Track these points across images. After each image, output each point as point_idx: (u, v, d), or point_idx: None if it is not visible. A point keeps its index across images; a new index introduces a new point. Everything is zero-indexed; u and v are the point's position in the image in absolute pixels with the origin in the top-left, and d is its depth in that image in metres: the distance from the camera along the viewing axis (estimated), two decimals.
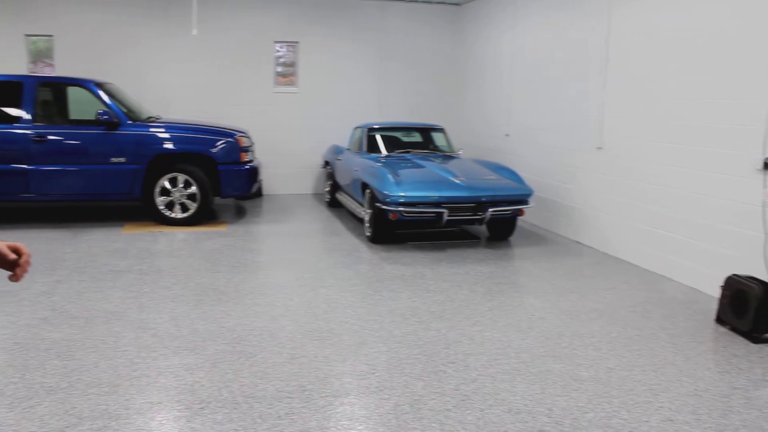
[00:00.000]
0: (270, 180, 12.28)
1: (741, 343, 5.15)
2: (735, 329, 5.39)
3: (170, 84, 11.80)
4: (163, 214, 9.11)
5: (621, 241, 7.74)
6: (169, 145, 9.04)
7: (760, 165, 5.76)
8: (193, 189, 9.08)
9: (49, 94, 9.63)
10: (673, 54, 6.85)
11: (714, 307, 5.87)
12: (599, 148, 8.08)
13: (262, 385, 4.20)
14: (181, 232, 8.78)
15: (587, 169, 8.36)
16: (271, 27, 12.13)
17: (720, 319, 5.58)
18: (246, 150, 9.39)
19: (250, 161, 9.51)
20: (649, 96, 7.21)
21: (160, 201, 9.09)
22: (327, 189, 11.32)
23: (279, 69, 12.45)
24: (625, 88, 7.60)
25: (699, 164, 6.51)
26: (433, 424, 3.72)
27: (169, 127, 9.28)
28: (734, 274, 5.52)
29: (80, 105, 9.73)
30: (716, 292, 5.96)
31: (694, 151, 6.57)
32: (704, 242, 6.46)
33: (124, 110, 9.14)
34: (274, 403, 3.95)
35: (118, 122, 8.89)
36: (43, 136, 8.71)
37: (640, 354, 4.87)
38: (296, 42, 12.32)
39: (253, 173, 9.46)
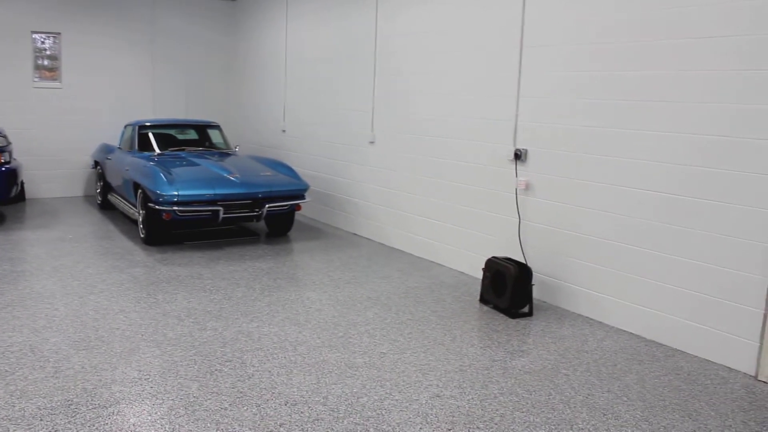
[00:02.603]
0: (34, 183, 11.39)
1: (501, 319, 5.59)
2: (496, 307, 5.85)
3: None
4: None
5: (394, 231, 8.09)
6: None
7: (512, 156, 6.28)
8: None
9: None
10: (434, 54, 7.26)
11: (478, 288, 6.32)
12: (371, 142, 8.38)
13: (21, 404, 3.90)
14: None
15: (361, 163, 8.64)
16: (28, 15, 11.20)
17: (483, 299, 6.03)
18: (2, 150, 8.63)
19: (7, 162, 8.75)
20: (411, 93, 7.60)
21: None
22: (98, 190, 10.71)
23: (45, 62, 11.54)
24: (391, 84, 7.95)
25: (460, 156, 6.97)
26: (209, 425, 3.67)
27: None
28: (493, 257, 5.98)
29: None
30: (480, 275, 6.42)
31: (456, 143, 7.02)
32: (468, 228, 6.93)
33: None
34: (34, 422, 3.68)
35: None
36: None
37: (411, 337, 5.12)
38: (58, 33, 11.49)
39: (11, 175, 8.72)
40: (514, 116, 6.27)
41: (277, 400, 3.99)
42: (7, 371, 4.35)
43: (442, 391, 4.18)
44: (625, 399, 4.17)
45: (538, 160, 6.06)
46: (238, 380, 4.27)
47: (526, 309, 5.76)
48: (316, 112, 9.70)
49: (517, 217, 6.31)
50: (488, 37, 6.53)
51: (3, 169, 8.59)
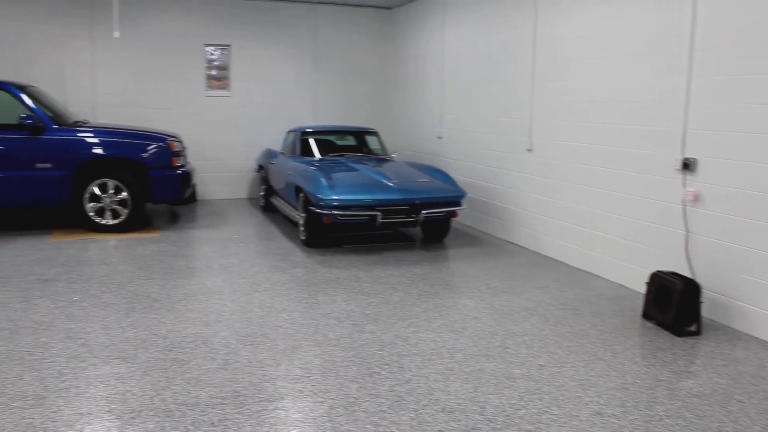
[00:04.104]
0: (204, 185, 12.13)
1: (666, 337, 5.32)
2: (660, 324, 5.57)
3: (97, 88, 11.53)
4: (93, 220, 8.89)
5: (552, 240, 7.91)
6: (98, 150, 8.84)
7: (680, 165, 5.97)
8: (124, 195, 8.90)
9: None
10: (594, 58, 7.04)
11: (640, 302, 6.06)
12: (529, 150, 8.25)
13: (195, 392, 4.15)
14: (112, 239, 8.59)
15: (518, 171, 8.53)
16: (202, 29, 11.97)
17: (646, 314, 5.77)
18: (178, 154, 9.25)
19: (182, 166, 9.36)
20: (573, 99, 7.40)
21: (90, 207, 8.87)
22: (261, 193, 11.24)
23: (214, 73, 12.30)
24: (551, 90, 7.79)
25: (623, 164, 6.71)
26: (368, 426, 3.74)
27: (97, 131, 9.07)
28: (658, 271, 5.71)
29: (1, 109, 9.42)
30: (642, 288, 6.15)
31: (619, 152, 6.77)
32: (630, 240, 6.66)
33: (49, 114, 8.89)
34: (207, 409, 3.91)
35: (43, 126, 8.65)
36: None
37: (570, 350, 4.99)
38: (228, 45, 12.19)
39: (186, 178, 9.32)
40: (683, 124, 5.95)
41: (434, 407, 4.00)
42: (183, 360, 4.64)
43: (603, 409, 4.03)
44: None
45: (711, 169, 5.72)
46: (396, 384, 4.32)
47: (693, 327, 5.44)
48: (473, 119, 9.68)
49: (684, 229, 5.99)
50: (654, 41, 6.24)
51: (178, 172, 9.19)
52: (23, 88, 8.87)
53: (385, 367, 4.60)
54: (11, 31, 11.05)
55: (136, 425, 3.70)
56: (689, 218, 5.94)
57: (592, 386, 4.35)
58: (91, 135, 8.94)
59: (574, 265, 7.53)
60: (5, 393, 4.09)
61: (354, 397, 4.11)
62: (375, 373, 4.49)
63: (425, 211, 7.91)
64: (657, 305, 5.59)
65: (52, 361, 4.60)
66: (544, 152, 7.99)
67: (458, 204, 8.20)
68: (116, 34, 10.18)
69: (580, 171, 7.34)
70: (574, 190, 7.47)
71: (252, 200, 12.23)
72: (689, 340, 5.27)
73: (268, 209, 10.94)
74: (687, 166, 5.92)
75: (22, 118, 8.50)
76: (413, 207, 7.89)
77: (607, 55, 6.89)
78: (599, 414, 3.96)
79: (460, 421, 3.83)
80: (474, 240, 8.94)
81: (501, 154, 8.93)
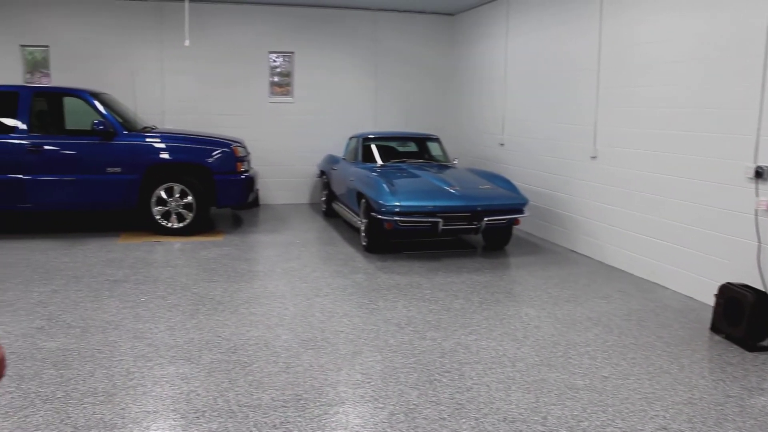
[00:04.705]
0: (266, 190, 12.31)
1: (736, 351, 5.17)
2: (730, 337, 5.41)
3: (166, 94, 11.83)
4: (159, 223, 9.11)
5: (616, 249, 7.77)
6: (165, 155, 9.05)
7: (752, 174, 5.79)
8: (190, 199, 9.09)
9: (44, 105, 9.65)
10: (663, 64, 6.90)
11: (709, 315, 5.90)
12: (593, 157, 8.12)
13: (258, 394, 4.21)
14: (177, 241, 8.79)
15: (582, 178, 8.40)
16: (267, 37, 12.17)
17: (715, 327, 5.60)
18: (242, 160, 9.41)
19: (246, 171, 9.52)
20: (639, 106, 7.25)
21: (157, 211, 9.09)
22: (323, 198, 11.34)
23: (276, 79, 12.49)
24: (617, 98, 7.65)
25: (692, 173, 6.54)
26: None
27: (164, 137, 9.29)
28: (728, 283, 5.55)
29: (76, 115, 9.75)
30: (711, 300, 5.98)
31: (686, 159, 6.61)
32: (698, 250, 6.49)
33: (120, 120, 9.16)
34: (269, 412, 3.96)
35: (114, 132, 8.91)
36: (38, 146, 8.73)
37: (635, 362, 4.88)
38: (291, 52, 12.36)
39: (249, 183, 9.48)
40: (756, 131, 5.77)
41: (495, 416, 3.97)
42: (246, 362, 4.71)
43: (669, 424, 3.93)
44: None
45: None
46: (457, 391, 4.30)
47: (765, 342, 5.27)
48: (536, 126, 9.58)
49: (756, 240, 5.80)
50: (727, 46, 6.08)
51: (242, 176, 9.34)
52: (96, 96, 9.16)
53: (446, 374, 4.58)
54: (85, 41, 11.43)
55: (200, 425, 3.77)
56: (761, 228, 5.76)
57: (658, 400, 4.25)
58: (159, 141, 9.17)
59: (639, 275, 7.37)
60: (77, 389, 4.22)
61: (414, 404, 4.10)
62: (436, 380, 4.48)
63: (487, 219, 7.85)
64: (726, 318, 5.43)
65: (121, 360, 4.73)
66: (609, 160, 7.85)
67: (520, 211, 8.12)
68: (187, 43, 10.42)
69: (647, 179, 7.19)
70: (640, 199, 7.32)
71: (313, 205, 12.35)
72: (761, 356, 5.10)
73: (330, 214, 11.03)
74: (760, 174, 5.75)
75: (95, 124, 8.77)
76: (475, 214, 7.84)
77: (678, 61, 6.74)
78: (665, 429, 3.86)
79: (522, 431, 3.78)
80: (535, 248, 8.84)
81: (564, 162, 8.81)
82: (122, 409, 3.96)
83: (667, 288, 6.90)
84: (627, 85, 7.51)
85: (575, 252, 8.57)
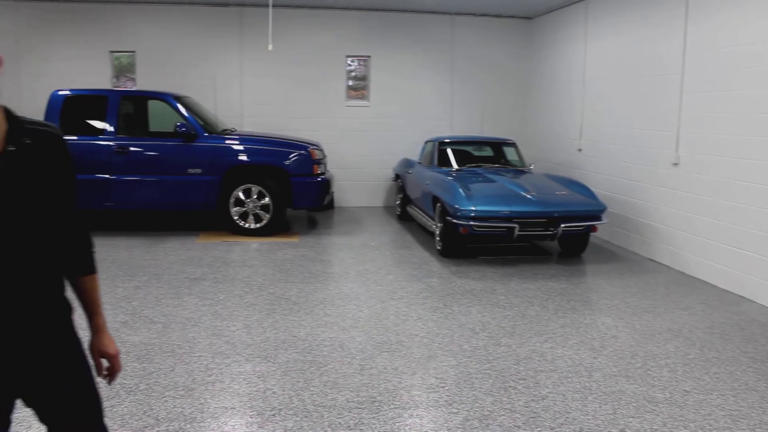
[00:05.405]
0: (341, 192, 12.41)
1: None
2: None
3: (245, 97, 12.09)
4: (237, 224, 9.31)
5: (698, 259, 7.53)
6: (243, 157, 9.25)
7: None
8: (267, 200, 9.25)
9: (130, 108, 9.99)
10: (750, 68, 6.65)
11: None
12: (675, 164, 7.90)
13: (333, 394, 4.25)
14: (254, 242, 8.96)
15: (662, 185, 8.18)
16: (344, 41, 12.30)
17: None
18: (318, 162, 9.53)
19: (323, 174, 9.63)
20: (727, 111, 7.01)
21: (235, 211, 9.29)
22: (397, 202, 11.38)
23: (351, 83, 12.60)
24: (702, 102, 7.42)
25: None
26: None
27: (243, 139, 9.50)
28: None
29: (159, 118, 10.05)
30: None
31: None
32: None
33: (201, 123, 9.41)
34: (344, 413, 3.99)
35: (195, 134, 9.15)
36: (125, 147, 9.04)
37: (718, 377, 4.72)
38: (368, 56, 12.45)
39: (325, 185, 9.59)
40: None
41: (570, 426, 3.90)
42: (321, 363, 4.77)
43: None
44: None
45: None
46: (532, 400, 4.25)
47: None
48: (614, 131, 9.37)
49: None
50: None
51: (319, 179, 9.46)
52: (179, 99, 9.43)
53: (521, 381, 4.53)
54: (168, 45, 11.79)
55: (276, 422, 3.84)
56: None
57: (744, 418, 4.09)
58: (238, 143, 9.38)
59: (722, 287, 7.12)
60: (159, 382, 4.35)
61: (489, 410, 4.07)
62: (510, 387, 4.43)
63: (564, 225, 7.72)
64: None
65: (200, 356, 4.85)
66: (692, 166, 7.62)
67: (598, 218, 7.96)
68: (270, 47, 10.62)
69: (734, 187, 6.94)
70: (725, 207, 7.07)
71: (388, 209, 12.41)
72: None
73: (404, 218, 11.05)
74: None
75: (177, 126, 9.03)
76: (552, 220, 7.73)
77: (764, 66, 6.49)
78: None
79: None
80: (612, 256, 8.65)
81: (644, 168, 8.59)
82: (201, 403, 4.06)
83: (753, 301, 6.64)
84: (714, 90, 7.27)
85: (654, 261, 8.35)
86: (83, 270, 2.24)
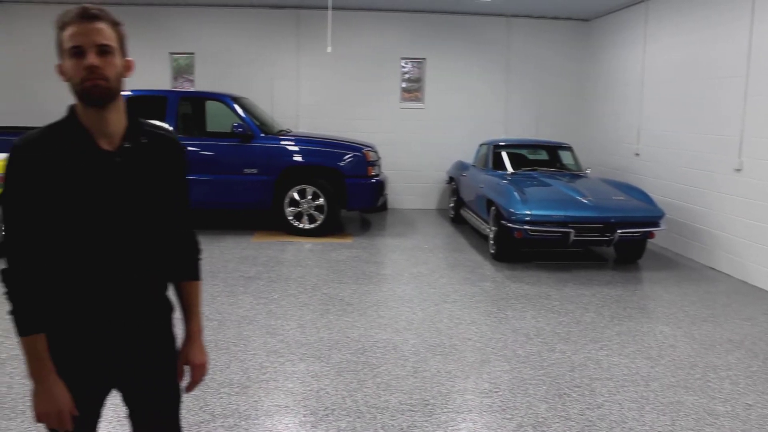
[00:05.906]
0: (395, 194, 12.42)
1: None
2: None
3: (300, 98, 12.20)
4: (291, 224, 9.40)
5: (761, 268, 7.32)
6: (298, 158, 9.33)
7: None
8: (321, 201, 9.32)
9: (189, 108, 10.17)
10: None
11: None
12: (738, 169, 7.69)
13: (386, 396, 4.25)
14: (308, 242, 9.03)
15: (724, 192, 7.97)
16: (399, 43, 12.32)
17: None
18: (373, 164, 9.55)
19: (377, 175, 9.66)
20: None
21: (289, 211, 9.38)
22: (451, 205, 11.34)
23: (404, 85, 12.61)
24: (764, 106, 7.22)
25: None
26: None
27: (299, 140, 9.58)
28: None
29: (217, 118, 10.21)
30: None
31: None
32: None
33: (258, 123, 9.52)
34: (396, 415, 3.99)
35: (252, 135, 9.27)
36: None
37: None
38: (423, 58, 12.44)
39: (379, 187, 9.61)
40: None
41: None
42: (374, 364, 4.78)
43: None
44: None
45: None
46: (587, 408, 4.18)
47: None
48: (673, 136, 9.17)
49: None
50: None
51: (373, 181, 9.49)
52: (237, 100, 9.57)
53: (576, 389, 4.47)
54: (226, 47, 11.97)
55: (330, 422, 3.86)
56: None
57: None
58: (293, 144, 9.47)
59: None
60: (215, 378, 4.42)
61: (543, 417, 4.03)
62: (565, 394, 4.38)
63: (620, 231, 7.58)
64: None
65: (254, 354, 4.90)
66: (756, 172, 7.41)
67: (656, 224, 7.80)
68: (329, 49, 10.69)
69: None
70: None
71: (441, 211, 12.37)
72: None
73: (458, 221, 11.01)
74: None
75: (234, 126, 9.17)
76: (608, 226, 7.60)
77: None
78: None
79: None
80: (670, 263, 8.47)
81: (704, 174, 8.39)
82: (255, 401, 4.11)
83: None
84: None
85: (713, 269, 8.15)
86: (189, 275, 2.30)
